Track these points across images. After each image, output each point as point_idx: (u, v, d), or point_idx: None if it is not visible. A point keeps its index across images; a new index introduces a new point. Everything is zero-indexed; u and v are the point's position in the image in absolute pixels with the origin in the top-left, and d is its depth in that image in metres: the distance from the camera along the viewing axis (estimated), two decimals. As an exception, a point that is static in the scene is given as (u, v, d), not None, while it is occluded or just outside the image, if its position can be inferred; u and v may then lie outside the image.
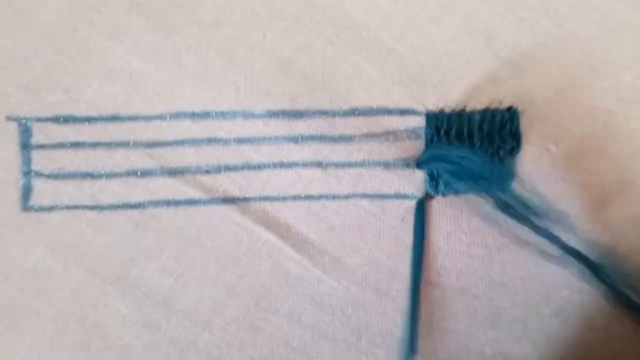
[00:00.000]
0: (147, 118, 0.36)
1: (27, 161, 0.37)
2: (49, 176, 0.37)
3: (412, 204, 0.37)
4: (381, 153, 0.37)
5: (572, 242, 0.35)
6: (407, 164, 0.37)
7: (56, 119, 0.36)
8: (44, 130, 0.36)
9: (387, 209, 0.38)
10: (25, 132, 0.36)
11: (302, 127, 0.37)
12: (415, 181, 0.37)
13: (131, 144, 0.37)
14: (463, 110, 0.37)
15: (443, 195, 0.38)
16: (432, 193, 0.37)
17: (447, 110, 0.37)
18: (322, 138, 0.37)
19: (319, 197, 0.37)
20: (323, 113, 0.37)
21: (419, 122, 0.37)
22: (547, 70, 0.36)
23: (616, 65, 0.36)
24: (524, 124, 0.37)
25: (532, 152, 0.37)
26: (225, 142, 0.37)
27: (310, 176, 0.37)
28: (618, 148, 0.37)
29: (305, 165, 0.37)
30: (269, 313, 0.38)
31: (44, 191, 0.37)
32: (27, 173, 0.37)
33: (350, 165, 0.37)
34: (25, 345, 0.38)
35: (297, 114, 0.37)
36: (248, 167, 0.37)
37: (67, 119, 0.36)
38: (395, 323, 0.39)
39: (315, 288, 0.38)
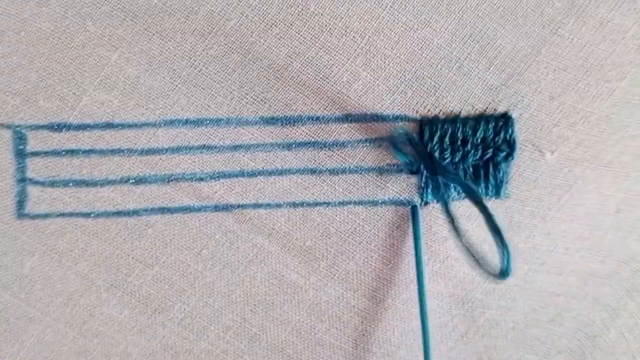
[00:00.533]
0: (142, 125, 0.36)
1: (22, 169, 0.37)
2: (44, 184, 0.37)
3: (406, 210, 0.37)
4: (375, 159, 0.37)
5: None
6: (401, 170, 0.37)
7: (51, 127, 0.36)
8: (39, 138, 0.36)
9: (382, 215, 0.38)
10: (20, 139, 0.36)
11: (296, 133, 0.37)
12: (410, 188, 0.37)
13: (126, 151, 0.37)
14: (457, 116, 0.37)
15: (437, 201, 0.37)
16: (426, 199, 0.37)
17: (442, 116, 0.37)
18: (316, 144, 0.37)
19: (314, 203, 0.37)
20: (317, 119, 0.37)
21: (414, 128, 0.37)
22: (542, 76, 0.36)
23: (611, 71, 0.36)
24: (519, 130, 0.37)
25: (527, 158, 0.37)
26: (220, 149, 0.37)
27: (305, 183, 0.37)
28: (614, 155, 0.37)
29: (300, 171, 0.37)
30: (265, 320, 0.38)
31: (39, 199, 0.37)
32: (22, 180, 0.37)
33: (344, 171, 0.37)
34: (22, 352, 0.38)
35: (291, 121, 0.37)
36: (242, 174, 0.37)
37: (62, 127, 0.36)
38: (391, 330, 0.38)
39: (311, 295, 0.38)
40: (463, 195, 0.37)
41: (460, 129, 0.36)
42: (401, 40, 0.36)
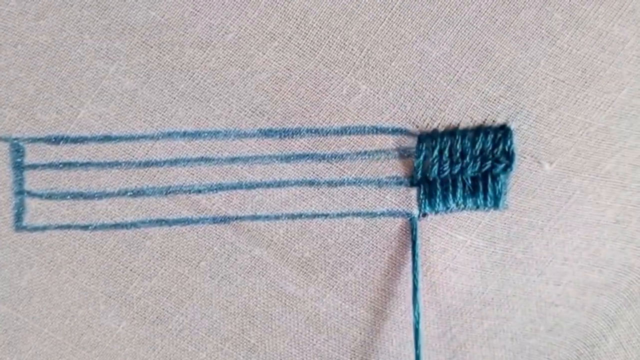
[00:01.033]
0: (140, 138, 0.36)
1: (20, 181, 0.37)
2: (42, 196, 0.37)
3: (405, 221, 0.37)
4: (374, 171, 0.37)
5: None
6: (400, 182, 0.37)
7: (49, 139, 0.36)
8: (36, 150, 0.36)
9: (381, 227, 0.38)
10: (17, 152, 0.36)
11: (294, 145, 0.37)
12: (409, 199, 0.37)
13: (124, 163, 0.37)
14: (456, 128, 0.37)
15: (436, 212, 0.37)
16: (425, 211, 0.37)
17: (441, 128, 0.37)
18: (315, 156, 0.37)
19: (313, 215, 0.37)
20: (316, 132, 0.37)
21: (412, 141, 0.37)
22: (541, 87, 0.36)
23: (610, 82, 0.36)
24: (518, 142, 0.37)
25: (525, 170, 0.37)
26: (218, 161, 0.37)
27: (304, 195, 0.37)
28: (612, 165, 0.37)
29: (298, 183, 0.37)
30: (263, 332, 0.38)
31: (37, 211, 0.37)
32: (20, 193, 0.37)
33: (343, 183, 0.37)
34: (20, 363, 0.38)
35: (290, 133, 0.37)
36: (241, 186, 0.37)
37: (60, 139, 0.36)
38: (389, 341, 0.39)
39: (310, 306, 0.38)
40: (462, 205, 0.37)
41: (459, 142, 0.36)
42: (400, 53, 0.36)
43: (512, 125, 0.36)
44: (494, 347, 0.39)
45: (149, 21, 0.35)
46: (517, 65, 0.36)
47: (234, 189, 0.37)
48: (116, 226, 0.37)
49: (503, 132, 0.36)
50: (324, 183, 0.37)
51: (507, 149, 0.36)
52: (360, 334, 0.38)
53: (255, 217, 0.37)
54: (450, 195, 0.37)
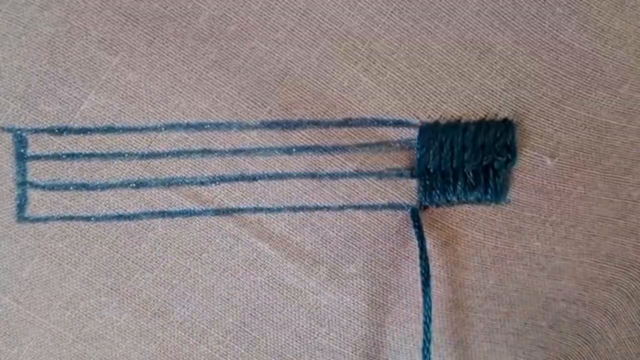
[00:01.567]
0: (143, 129, 0.36)
1: (22, 172, 0.37)
2: (44, 187, 0.37)
3: (406, 214, 0.37)
4: (375, 164, 0.37)
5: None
6: (401, 174, 0.37)
7: (52, 130, 0.36)
8: (39, 141, 0.36)
9: (382, 219, 0.38)
10: (21, 143, 0.36)
11: (296, 138, 0.37)
12: (410, 192, 0.37)
13: (126, 155, 0.37)
14: (458, 122, 0.37)
15: (437, 205, 0.37)
16: (426, 203, 0.37)
17: (442, 122, 0.37)
18: (316, 149, 0.37)
19: (314, 208, 0.37)
20: (317, 124, 0.37)
21: (414, 133, 0.37)
22: (543, 82, 0.36)
23: (612, 77, 0.36)
24: (519, 137, 0.37)
25: (527, 164, 0.37)
26: (220, 153, 0.37)
27: (305, 187, 0.37)
28: (614, 161, 0.37)
29: (300, 176, 0.37)
30: (264, 324, 0.38)
31: (39, 202, 0.37)
32: (23, 184, 0.37)
33: (344, 175, 0.37)
34: (22, 355, 0.38)
35: (291, 125, 0.37)
36: (243, 178, 0.37)
37: (63, 130, 0.36)
38: (391, 334, 0.38)
39: (311, 299, 0.38)
40: (463, 199, 0.37)
41: (461, 135, 0.36)
42: (402, 46, 0.36)
43: (514, 120, 0.36)
44: (495, 343, 0.39)
45: (152, 13, 0.36)
46: (519, 59, 0.36)
47: (236, 181, 0.37)
48: (118, 217, 0.37)
49: (505, 126, 0.36)
50: (325, 175, 0.37)
51: (508, 143, 0.36)
52: (361, 327, 0.38)
53: (257, 209, 0.37)
54: (451, 188, 0.37)
